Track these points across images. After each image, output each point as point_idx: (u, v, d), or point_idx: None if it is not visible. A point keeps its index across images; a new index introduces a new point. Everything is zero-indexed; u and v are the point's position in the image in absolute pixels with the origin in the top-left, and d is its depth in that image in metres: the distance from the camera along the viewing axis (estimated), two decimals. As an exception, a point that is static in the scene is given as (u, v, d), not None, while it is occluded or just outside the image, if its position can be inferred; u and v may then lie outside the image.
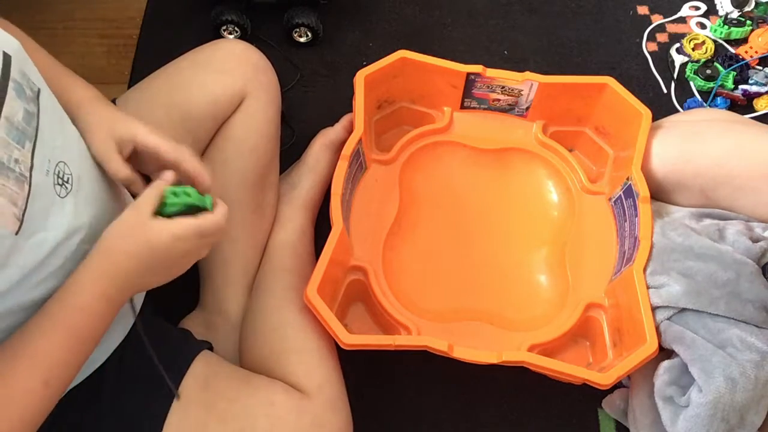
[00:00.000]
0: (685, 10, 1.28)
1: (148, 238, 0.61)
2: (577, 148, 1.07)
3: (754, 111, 1.16)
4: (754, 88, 1.16)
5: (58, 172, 0.60)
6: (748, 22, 1.22)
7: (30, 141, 0.57)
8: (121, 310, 0.63)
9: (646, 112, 0.95)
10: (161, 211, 0.63)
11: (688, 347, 0.80)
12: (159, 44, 1.22)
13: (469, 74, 1.00)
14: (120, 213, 0.62)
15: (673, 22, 1.27)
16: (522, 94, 1.02)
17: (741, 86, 1.17)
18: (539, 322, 0.92)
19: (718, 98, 1.16)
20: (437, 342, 0.82)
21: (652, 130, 0.95)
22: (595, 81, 1.00)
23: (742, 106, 1.17)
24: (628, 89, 0.98)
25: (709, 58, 1.20)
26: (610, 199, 0.99)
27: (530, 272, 0.98)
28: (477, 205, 1.03)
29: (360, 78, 0.97)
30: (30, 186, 0.56)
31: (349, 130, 0.98)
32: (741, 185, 0.88)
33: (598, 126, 1.03)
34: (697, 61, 1.20)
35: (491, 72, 1.00)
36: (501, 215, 1.02)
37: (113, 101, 0.82)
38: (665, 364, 0.83)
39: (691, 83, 1.19)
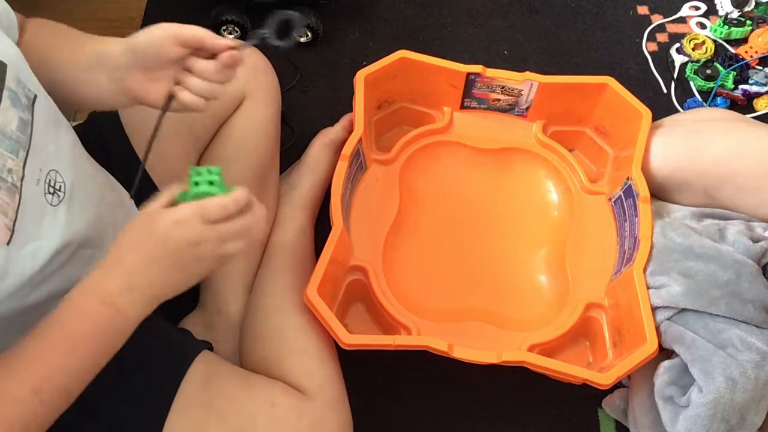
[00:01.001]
0: (685, 10, 1.28)
1: (150, 226, 0.58)
2: (577, 148, 1.07)
3: (754, 111, 1.16)
4: (754, 88, 1.16)
5: (50, 180, 0.60)
6: (748, 22, 1.22)
7: (24, 149, 0.57)
8: None
9: (646, 112, 0.95)
10: (184, 196, 0.59)
11: (688, 347, 0.80)
12: (159, 44, 1.22)
13: (469, 74, 1.00)
14: (120, 211, 0.62)
15: (673, 22, 1.27)
16: (522, 94, 1.02)
17: (741, 86, 1.17)
18: (539, 322, 0.92)
19: (718, 98, 1.16)
20: (437, 342, 0.82)
21: (654, 130, 0.95)
22: (595, 81, 1.00)
23: (742, 106, 1.16)
24: (628, 89, 0.98)
25: (709, 58, 1.20)
26: (610, 199, 0.99)
27: (530, 272, 0.98)
28: (477, 205, 1.03)
29: (360, 78, 0.97)
30: (20, 196, 0.56)
31: (349, 130, 0.98)
32: (744, 184, 0.88)
33: (598, 126, 1.03)
34: (697, 61, 1.20)
35: (491, 72, 1.00)
36: (501, 215, 1.02)
37: None
38: (665, 364, 0.83)
39: (691, 83, 1.19)
